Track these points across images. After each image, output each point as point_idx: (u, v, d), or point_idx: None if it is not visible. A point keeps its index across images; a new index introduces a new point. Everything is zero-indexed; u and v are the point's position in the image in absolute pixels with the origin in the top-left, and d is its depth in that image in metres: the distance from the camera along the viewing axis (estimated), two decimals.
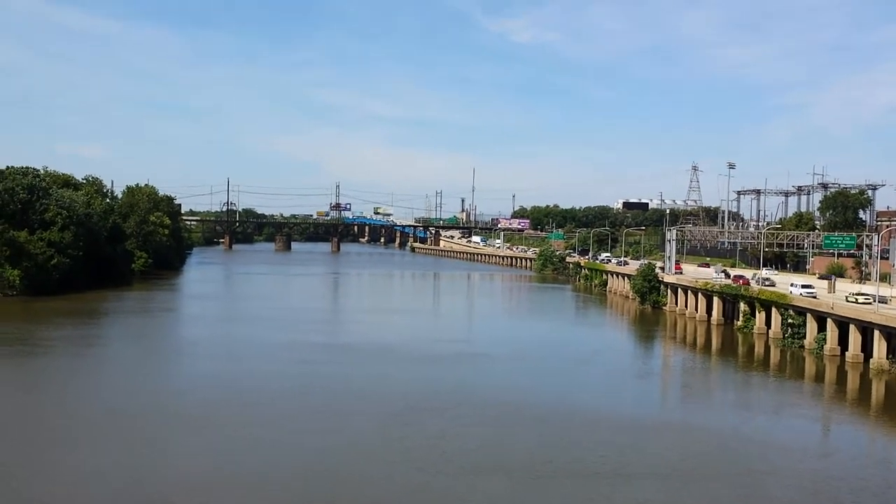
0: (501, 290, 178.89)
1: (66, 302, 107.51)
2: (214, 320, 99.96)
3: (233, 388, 57.84)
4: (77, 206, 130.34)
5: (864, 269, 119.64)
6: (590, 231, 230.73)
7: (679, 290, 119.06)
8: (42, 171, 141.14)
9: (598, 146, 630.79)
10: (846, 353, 76.10)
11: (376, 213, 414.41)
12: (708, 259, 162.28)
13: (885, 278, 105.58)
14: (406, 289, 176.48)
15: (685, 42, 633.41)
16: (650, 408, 58.26)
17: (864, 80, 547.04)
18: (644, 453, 44.55)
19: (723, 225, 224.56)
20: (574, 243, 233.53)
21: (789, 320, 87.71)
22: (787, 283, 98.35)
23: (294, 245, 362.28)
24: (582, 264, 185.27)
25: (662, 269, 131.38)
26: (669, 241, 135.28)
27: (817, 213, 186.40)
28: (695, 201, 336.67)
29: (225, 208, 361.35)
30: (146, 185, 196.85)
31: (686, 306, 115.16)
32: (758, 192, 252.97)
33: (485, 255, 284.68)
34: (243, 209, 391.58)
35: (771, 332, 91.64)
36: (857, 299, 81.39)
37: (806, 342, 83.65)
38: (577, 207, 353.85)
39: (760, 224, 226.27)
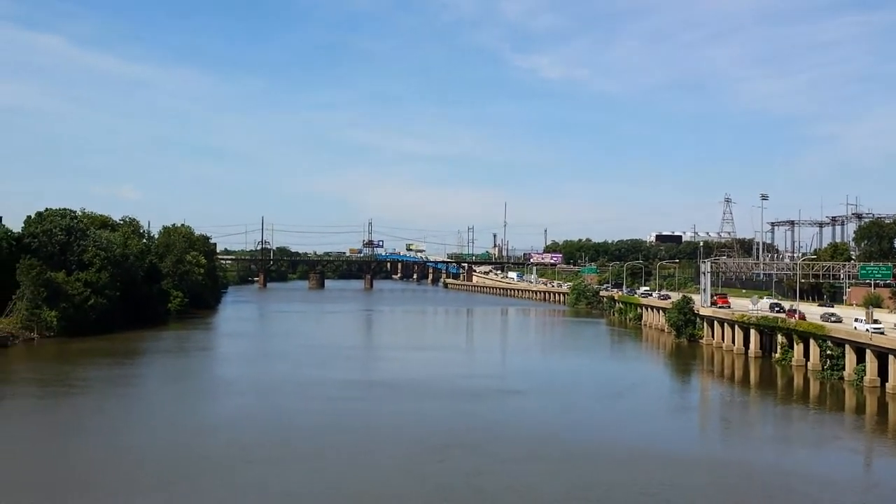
0: (535, 324, 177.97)
1: (104, 342, 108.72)
2: (249, 359, 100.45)
3: (266, 427, 57.86)
4: (114, 246, 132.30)
5: None
6: (622, 264, 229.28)
7: (715, 322, 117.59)
8: (80, 213, 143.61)
9: (629, 179, 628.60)
10: (886, 383, 74.45)
11: (409, 249, 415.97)
12: (744, 290, 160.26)
13: None
14: (439, 325, 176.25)
15: (712, 76, 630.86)
16: (688, 443, 57.31)
17: (893, 110, 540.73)
18: (683, 489, 43.74)
19: (757, 256, 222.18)
20: (607, 277, 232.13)
21: (828, 352, 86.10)
22: (852, 319, 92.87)
23: (327, 282, 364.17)
24: (616, 298, 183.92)
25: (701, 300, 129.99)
26: (704, 273, 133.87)
27: (852, 244, 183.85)
28: (728, 233, 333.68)
29: (259, 247, 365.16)
30: (182, 224, 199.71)
31: (723, 339, 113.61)
32: (792, 223, 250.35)
33: (517, 289, 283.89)
34: (277, 247, 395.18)
35: (810, 364, 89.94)
36: (867, 329, 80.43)
37: (845, 373, 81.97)
38: (610, 241, 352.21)
39: (795, 255, 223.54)
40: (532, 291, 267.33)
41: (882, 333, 79.21)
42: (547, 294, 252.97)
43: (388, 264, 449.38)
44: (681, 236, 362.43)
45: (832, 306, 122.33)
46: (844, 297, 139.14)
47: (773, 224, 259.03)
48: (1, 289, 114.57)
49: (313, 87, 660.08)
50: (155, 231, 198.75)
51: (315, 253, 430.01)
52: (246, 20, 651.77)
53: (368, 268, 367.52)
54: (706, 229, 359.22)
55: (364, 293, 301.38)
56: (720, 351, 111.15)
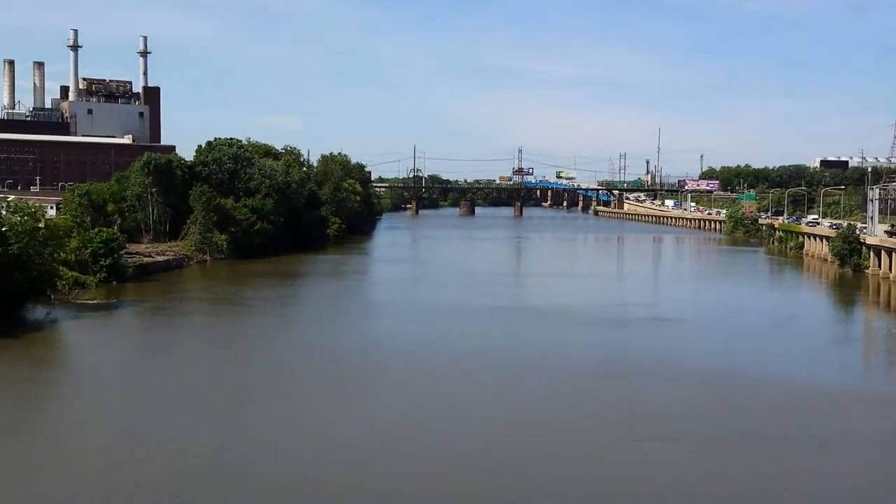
0: (689, 252, 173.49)
1: (268, 264, 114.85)
2: (401, 283, 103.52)
3: (416, 350, 59.67)
4: (277, 174, 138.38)
5: None
6: (784, 191, 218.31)
7: (883, 252, 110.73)
8: (245, 142, 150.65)
9: (793, 102, 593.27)
10: None
11: (559, 176, 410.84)
12: None
13: None
14: (589, 252, 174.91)
15: None
16: (850, 375, 55.03)
17: None
18: (843, 423, 42.34)
19: None
20: (766, 204, 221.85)
21: None
22: None
23: (477, 210, 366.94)
24: (776, 226, 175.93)
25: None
26: (872, 200, 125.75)
27: None
28: None
29: (412, 175, 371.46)
30: (339, 153, 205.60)
31: (891, 269, 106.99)
32: None
33: (670, 217, 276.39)
34: (429, 175, 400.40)
35: None
36: None
37: None
38: (771, 167, 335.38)
39: None
40: (686, 219, 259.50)
41: None
42: (702, 222, 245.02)
43: (538, 192, 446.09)
44: (847, 162, 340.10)
45: None
46: None
47: None
48: (176, 214, 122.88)
49: (464, 10, 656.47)
50: (313, 160, 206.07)
51: (465, 181, 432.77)
52: None
53: (518, 195, 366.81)
54: (875, 154, 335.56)
55: (513, 220, 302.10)
56: (887, 282, 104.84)
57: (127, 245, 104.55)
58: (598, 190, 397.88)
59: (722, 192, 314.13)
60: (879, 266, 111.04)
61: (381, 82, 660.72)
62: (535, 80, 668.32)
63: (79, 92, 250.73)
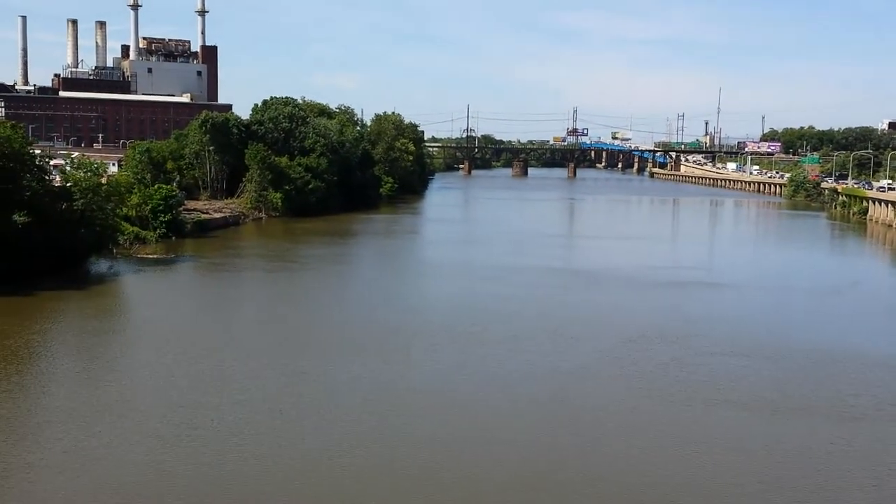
0: (747, 216, 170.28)
1: (322, 223, 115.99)
2: (453, 243, 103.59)
3: (466, 309, 59.98)
4: (332, 134, 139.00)
5: None
6: (849, 154, 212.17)
7: None
8: (300, 101, 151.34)
9: (860, 61, 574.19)
10: None
11: (614, 137, 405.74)
12: None
13: None
14: (644, 215, 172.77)
15: None
16: None
17: None
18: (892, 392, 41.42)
19: None
20: (830, 168, 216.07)
21: None
22: None
23: (530, 171, 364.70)
24: (839, 190, 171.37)
25: None
26: None
27: None
28: None
29: (465, 135, 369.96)
30: (392, 113, 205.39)
31: None
32: None
33: (729, 180, 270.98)
34: (482, 136, 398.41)
35: None
36: None
37: None
38: (835, 129, 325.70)
39: None
40: (745, 182, 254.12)
41: None
42: (761, 185, 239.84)
43: (592, 153, 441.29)
44: None
45: None
46: None
47: None
48: (233, 172, 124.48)
49: None
50: (367, 119, 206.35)
51: (519, 141, 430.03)
52: None
53: (572, 156, 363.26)
54: None
55: (567, 181, 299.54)
56: None
57: (185, 202, 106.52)
58: (654, 151, 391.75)
59: (784, 155, 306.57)
60: None
61: (435, 41, 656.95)
62: (592, 39, 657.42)
63: (139, 51, 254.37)
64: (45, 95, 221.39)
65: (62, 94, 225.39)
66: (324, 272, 77.59)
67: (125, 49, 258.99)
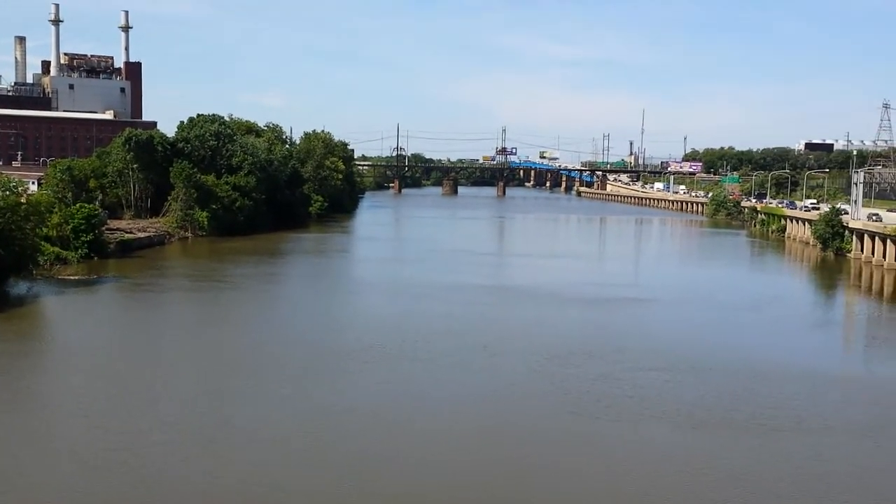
0: (671, 234, 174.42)
1: (250, 242, 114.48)
2: (384, 262, 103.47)
3: (396, 329, 59.67)
4: (260, 152, 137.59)
5: None
6: (767, 174, 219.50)
7: (866, 235, 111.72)
8: (228, 119, 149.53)
9: (777, 84, 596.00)
10: None
11: (542, 157, 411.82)
12: None
13: None
14: (571, 233, 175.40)
15: None
16: (830, 358, 55.65)
17: None
18: (822, 406, 42.75)
19: None
20: (750, 187, 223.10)
21: None
22: None
23: (461, 189, 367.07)
24: (758, 209, 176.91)
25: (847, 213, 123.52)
26: (856, 184, 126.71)
27: None
28: (885, 142, 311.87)
29: (395, 153, 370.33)
30: (322, 131, 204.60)
31: (873, 253, 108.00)
32: None
33: (653, 199, 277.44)
34: (412, 154, 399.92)
35: None
36: None
37: None
38: (754, 149, 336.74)
39: None
40: (668, 201, 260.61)
41: None
42: (684, 204, 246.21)
43: (521, 172, 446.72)
44: (832, 145, 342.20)
45: None
46: None
47: None
48: (158, 191, 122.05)
49: None
50: (296, 137, 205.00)
51: (449, 160, 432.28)
52: None
53: (501, 175, 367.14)
54: (861, 137, 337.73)
55: (496, 200, 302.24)
56: (870, 266, 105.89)
57: (108, 221, 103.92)
58: (581, 171, 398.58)
59: (705, 175, 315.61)
60: (862, 250, 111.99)
61: (364, 60, 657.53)
62: (521, 59, 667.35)
63: (60, 67, 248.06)
64: None
65: None
66: (252, 292, 76.51)
67: (46, 65, 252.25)
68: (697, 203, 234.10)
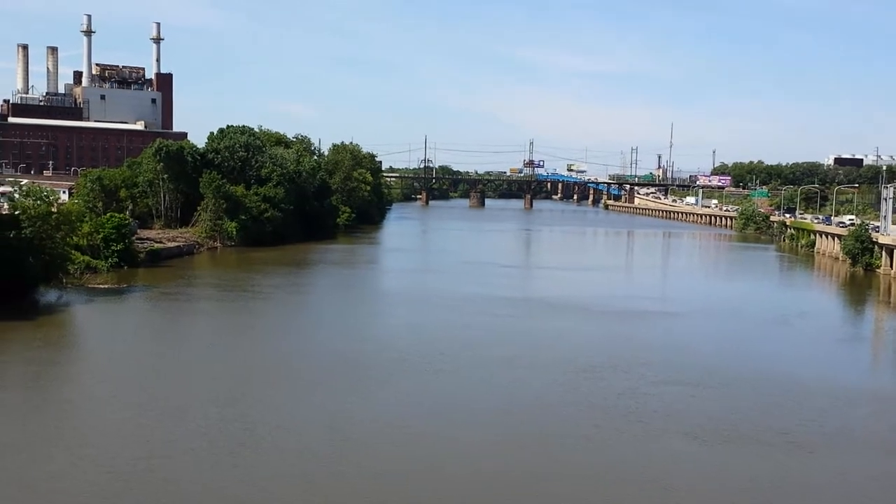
0: (699, 248, 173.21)
1: (278, 252, 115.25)
2: (411, 273, 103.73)
3: (421, 338, 60.00)
4: (288, 163, 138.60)
5: None
6: (796, 188, 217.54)
7: (895, 251, 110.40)
8: (257, 130, 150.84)
9: (808, 98, 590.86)
10: None
11: (569, 169, 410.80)
12: None
13: None
14: (599, 246, 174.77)
15: None
16: (858, 374, 54.97)
17: None
18: (850, 422, 42.29)
19: None
20: (779, 201, 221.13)
21: None
22: None
23: (487, 201, 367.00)
24: (788, 223, 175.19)
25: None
26: (885, 199, 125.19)
27: None
28: None
29: (422, 165, 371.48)
30: (350, 143, 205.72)
31: None
32: None
33: (681, 213, 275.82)
34: (439, 166, 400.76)
35: None
36: None
37: None
38: (784, 164, 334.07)
39: None
40: (697, 215, 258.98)
41: None
42: (712, 218, 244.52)
43: (549, 184, 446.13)
44: (862, 160, 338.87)
45: None
46: None
47: None
48: (187, 201, 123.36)
49: (482, 3, 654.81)
50: (324, 148, 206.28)
51: (476, 172, 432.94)
52: None
53: (528, 187, 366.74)
54: (891, 153, 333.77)
55: (523, 212, 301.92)
56: None
57: (138, 231, 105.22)
58: (608, 184, 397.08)
59: (734, 189, 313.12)
60: (892, 266, 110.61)
61: (394, 72, 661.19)
62: (549, 72, 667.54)
63: (92, 77, 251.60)
64: None
65: (11, 120, 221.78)
66: (279, 302, 77.04)
67: (77, 75, 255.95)
68: (726, 217, 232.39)
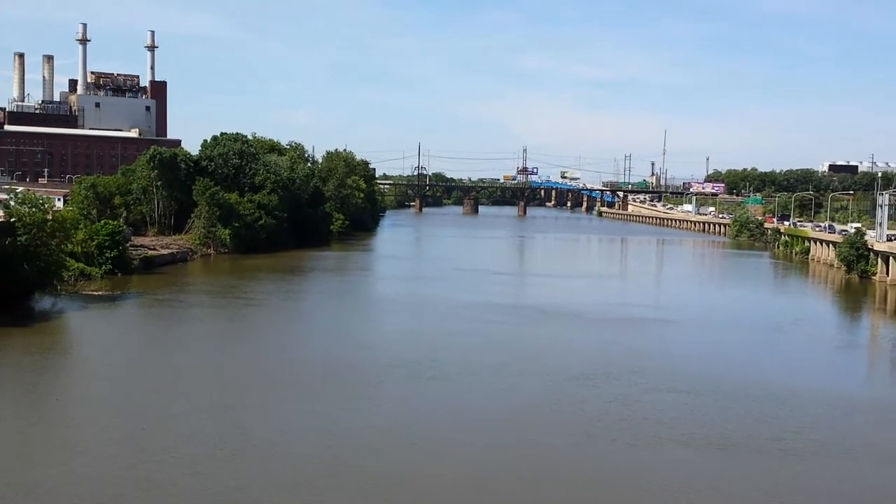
0: (693, 255, 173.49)
1: (272, 259, 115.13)
2: (405, 280, 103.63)
3: (414, 345, 59.93)
4: (282, 170, 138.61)
5: None
6: (791, 195, 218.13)
7: (891, 258, 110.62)
8: (251, 137, 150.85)
9: (802, 105, 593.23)
10: None
11: (563, 176, 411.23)
12: None
13: None
14: (592, 253, 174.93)
15: None
16: (854, 382, 55.08)
17: None
18: (845, 430, 42.29)
19: None
20: (773, 208, 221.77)
21: None
22: None
23: (481, 208, 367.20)
24: (781, 230, 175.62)
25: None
26: (881, 206, 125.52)
27: None
28: None
29: (416, 172, 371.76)
30: (344, 150, 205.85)
31: None
32: None
33: (675, 220, 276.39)
34: (433, 173, 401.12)
35: None
36: None
37: None
38: (778, 171, 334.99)
39: None
40: (690, 222, 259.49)
41: None
42: (706, 225, 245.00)
43: (542, 191, 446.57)
44: (857, 166, 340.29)
45: None
46: None
47: None
48: (181, 208, 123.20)
49: (474, 10, 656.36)
50: (318, 156, 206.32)
51: (470, 179, 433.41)
52: None
53: (522, 195, 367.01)
54: (886, 159, 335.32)
55: (517, 220, 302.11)
56: (895, 289, 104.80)
57: (132, 238, 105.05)
58: (602, 191, 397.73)
59: (727, 196, 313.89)
60: (887, 273, 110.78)
61: (387, 79, 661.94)
62: (543, 79, 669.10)
63: (87, 85, 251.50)
64: None
65: (7, 127, 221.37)
66: (272, 309, 76.92)
67: (73, 83, 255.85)
68: (720, 224, 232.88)
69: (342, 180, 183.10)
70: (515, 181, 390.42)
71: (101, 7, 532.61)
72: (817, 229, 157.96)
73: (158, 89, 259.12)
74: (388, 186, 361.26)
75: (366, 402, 44.63)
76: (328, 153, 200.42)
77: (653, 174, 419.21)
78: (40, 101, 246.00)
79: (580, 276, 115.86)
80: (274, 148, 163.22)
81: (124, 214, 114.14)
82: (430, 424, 41.07)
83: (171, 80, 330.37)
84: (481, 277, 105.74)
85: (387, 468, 34.75)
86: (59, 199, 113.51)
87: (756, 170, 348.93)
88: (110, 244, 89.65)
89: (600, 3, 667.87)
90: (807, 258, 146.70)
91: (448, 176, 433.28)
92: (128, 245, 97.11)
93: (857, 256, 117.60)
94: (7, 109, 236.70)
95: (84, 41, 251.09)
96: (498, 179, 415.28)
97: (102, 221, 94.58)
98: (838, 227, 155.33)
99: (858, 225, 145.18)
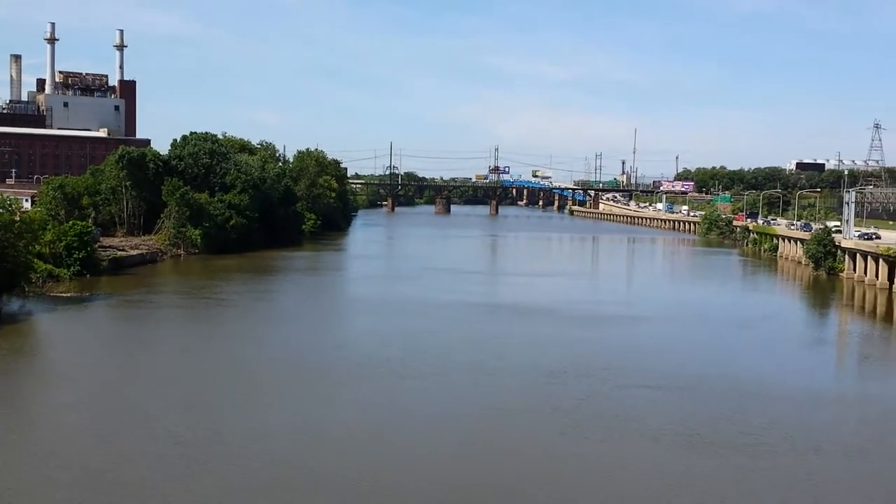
0: (663, 253, 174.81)
1: (243, 260, 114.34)
2: (377, 280, 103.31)
3: (385, 345, 59.70)
4: (253, 170, 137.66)
5: None
6: (759, 193, 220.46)
7: (858, 255, 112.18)
8: (221, 137, 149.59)
9: (770, 104, 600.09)
10: None
11: (535, 175, 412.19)
12: (891, 223, 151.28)
13: None
14: (564, 252, 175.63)
15: None
16: (822, 377, 55.80)
17: None
18: (813, 425, 42.81)
19: None
20: (741, 206, 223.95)
21: None
22: None
23: (453, 208, 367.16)
24: (750, 228, 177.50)
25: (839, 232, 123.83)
26: (848, 203, 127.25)
27: None
28: (876, 161, 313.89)
29: (388, 172, 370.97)
30: (315, 149, 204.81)
31: (866, 273, 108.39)
32: None
33: (645, 218, 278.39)
34: (405, 173, 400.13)
35: None
36: None
37: None
38: (746, 169, 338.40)
39: None
40: (660, 220, 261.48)
41: None
42: (676, 223, 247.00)
43: (514, 190, 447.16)
44: (823, 164, 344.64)
45: None
46: None
47: None
48: (150, 208, 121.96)
49: (449, 12, 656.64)
50: (289, 155, 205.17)
51: (442, 178, 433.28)
52: None
53: (494, 194, 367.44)
54: (852, 157, 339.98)
55: (489, 219, 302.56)
56: (862, 285, 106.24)
57: (101, 238, 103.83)
58: (573, 189, 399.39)
59: (697, 194, 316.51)
60: (854, 269, 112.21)
61: (358, 79, 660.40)
62: (514, 79, 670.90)
63: (55, 85, 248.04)
64: None
65: None
66: (242, 309, 76.38)
67: (41, 83, 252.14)
68: (689, 222, 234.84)
69: (313, 180, 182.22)
70: (487, 180, 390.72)
71: (70, 6, 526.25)
72: (792, 227, 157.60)
73: (127, 89, 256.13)
74: (360, 186, 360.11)
75: (337, 402, 44.47)
76: (299, 152, 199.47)
77: (623, 173, 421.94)
78: (8, 101, 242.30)
79: (552, 275, 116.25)
80: (244, 147, 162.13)
81: (93, 215, 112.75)
82: (401, 424, 40.98)
83: (140, 79, 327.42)
84: (453, 277, 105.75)
85: (358, 467, 34.62)
86: (26, 200, 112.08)
87: (725, 168, 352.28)
88: (79, 245, 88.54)
89: (569, 4, 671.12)
90: (775, 255, 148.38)
91: (420, 175, 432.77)
92: (96, 246, 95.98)
93: (824, 253, 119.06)
94: None
95: (52, 40, 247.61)
96: (470, 179, 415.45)
97: (71, 222, 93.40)
98: (815, 225, 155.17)
99: (837, 223, 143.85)
